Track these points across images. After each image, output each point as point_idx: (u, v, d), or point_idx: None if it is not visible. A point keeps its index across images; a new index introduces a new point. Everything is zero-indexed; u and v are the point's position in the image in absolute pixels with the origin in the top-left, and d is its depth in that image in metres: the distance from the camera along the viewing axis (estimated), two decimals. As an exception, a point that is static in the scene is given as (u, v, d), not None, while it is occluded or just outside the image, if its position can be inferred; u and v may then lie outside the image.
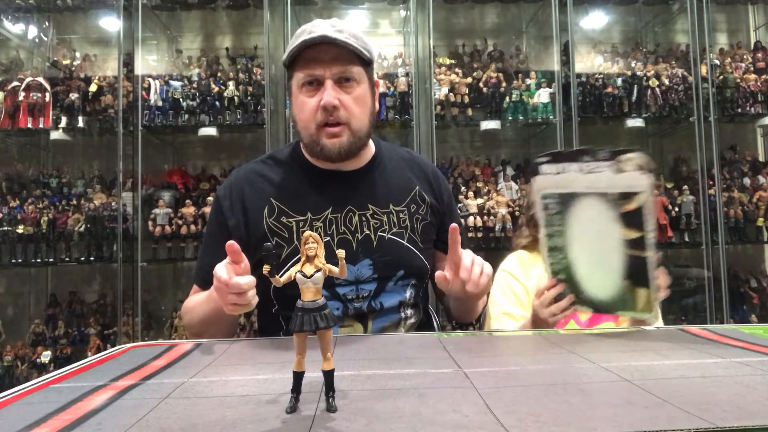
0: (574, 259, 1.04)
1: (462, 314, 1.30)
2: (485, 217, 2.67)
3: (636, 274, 0.97)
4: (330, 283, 1.12)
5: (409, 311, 1.21)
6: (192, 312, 1.16)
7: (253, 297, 0.92)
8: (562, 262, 1.05)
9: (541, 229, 1.05)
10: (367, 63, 1.14)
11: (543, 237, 1.05)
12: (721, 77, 2.85)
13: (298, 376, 0.59)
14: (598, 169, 0.98)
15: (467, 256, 1.04)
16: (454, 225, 1.02)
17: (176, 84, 2.75)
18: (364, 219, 1.16)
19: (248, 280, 0.90)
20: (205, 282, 1.10)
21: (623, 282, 0.98)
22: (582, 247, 1.02)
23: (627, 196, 0.96)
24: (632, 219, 0.96)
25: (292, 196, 1.17)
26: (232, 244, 0.92)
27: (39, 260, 2.71)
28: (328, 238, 1.14)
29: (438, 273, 1.04)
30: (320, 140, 1.11)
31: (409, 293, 1.20)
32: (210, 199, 2.66)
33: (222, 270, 0.91)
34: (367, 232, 1.16)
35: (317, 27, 1.09)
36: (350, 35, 1.09)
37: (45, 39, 3.12)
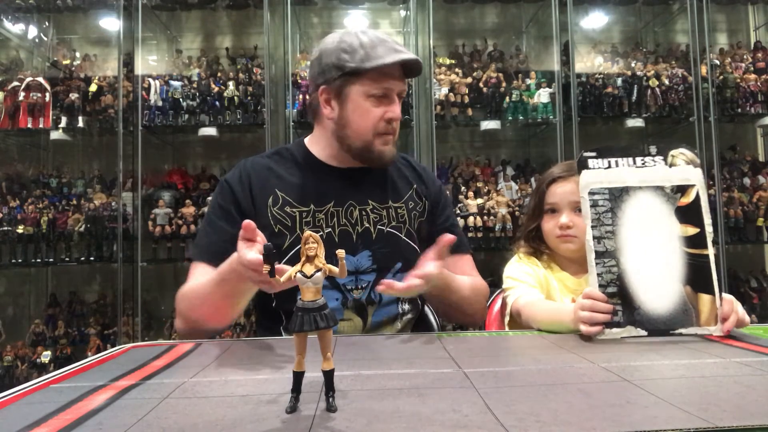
0: (627, 265, 0.94)
1: (444, 313, 1.33)
2: (485, 217, 2.67)
3: (698, 277, 0.92)
4: None
5: (406, 306, 1.23)
6: (194, 293, 1.12)
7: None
8: (612, 270, 0.94)
9: (588, 231, 0.96)
10: None
11: (590, 241, 0.95)
12: (721, 77, 2.85)
13: (298, 376, 0.59)
14: (650, 163, 0.97)
15: (429, 266, 1.02)
16: (450, 236, 1.03)
17: (176, 84, 2.74)
18: (364, 213, 1.21)
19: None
20: (216, 257, 1.06)
21: (684, 288, 0.92)
22: (637, 250, 0.94)
23: (682, 189, 0.95)
24: (689, 214, 0.94)
25: (297, 188, 1.21)
26: (249, 223, 0.88)
27: (39, 260, 2.71)
28: (330, 230, 1.18)
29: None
30: (376, 146, 1.19)
31: None
32: (209, 199, 2.66)
33: (245, 252, 0.87)
34: (367, 225, 1.20)
35: (398, 46, 1.17)
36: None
37: (45, 39, 3.12)
